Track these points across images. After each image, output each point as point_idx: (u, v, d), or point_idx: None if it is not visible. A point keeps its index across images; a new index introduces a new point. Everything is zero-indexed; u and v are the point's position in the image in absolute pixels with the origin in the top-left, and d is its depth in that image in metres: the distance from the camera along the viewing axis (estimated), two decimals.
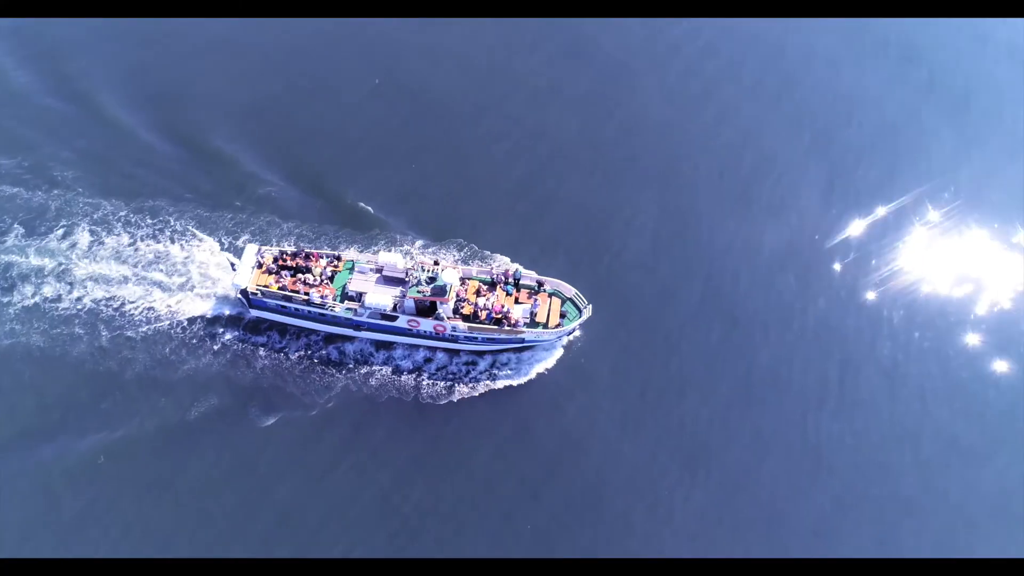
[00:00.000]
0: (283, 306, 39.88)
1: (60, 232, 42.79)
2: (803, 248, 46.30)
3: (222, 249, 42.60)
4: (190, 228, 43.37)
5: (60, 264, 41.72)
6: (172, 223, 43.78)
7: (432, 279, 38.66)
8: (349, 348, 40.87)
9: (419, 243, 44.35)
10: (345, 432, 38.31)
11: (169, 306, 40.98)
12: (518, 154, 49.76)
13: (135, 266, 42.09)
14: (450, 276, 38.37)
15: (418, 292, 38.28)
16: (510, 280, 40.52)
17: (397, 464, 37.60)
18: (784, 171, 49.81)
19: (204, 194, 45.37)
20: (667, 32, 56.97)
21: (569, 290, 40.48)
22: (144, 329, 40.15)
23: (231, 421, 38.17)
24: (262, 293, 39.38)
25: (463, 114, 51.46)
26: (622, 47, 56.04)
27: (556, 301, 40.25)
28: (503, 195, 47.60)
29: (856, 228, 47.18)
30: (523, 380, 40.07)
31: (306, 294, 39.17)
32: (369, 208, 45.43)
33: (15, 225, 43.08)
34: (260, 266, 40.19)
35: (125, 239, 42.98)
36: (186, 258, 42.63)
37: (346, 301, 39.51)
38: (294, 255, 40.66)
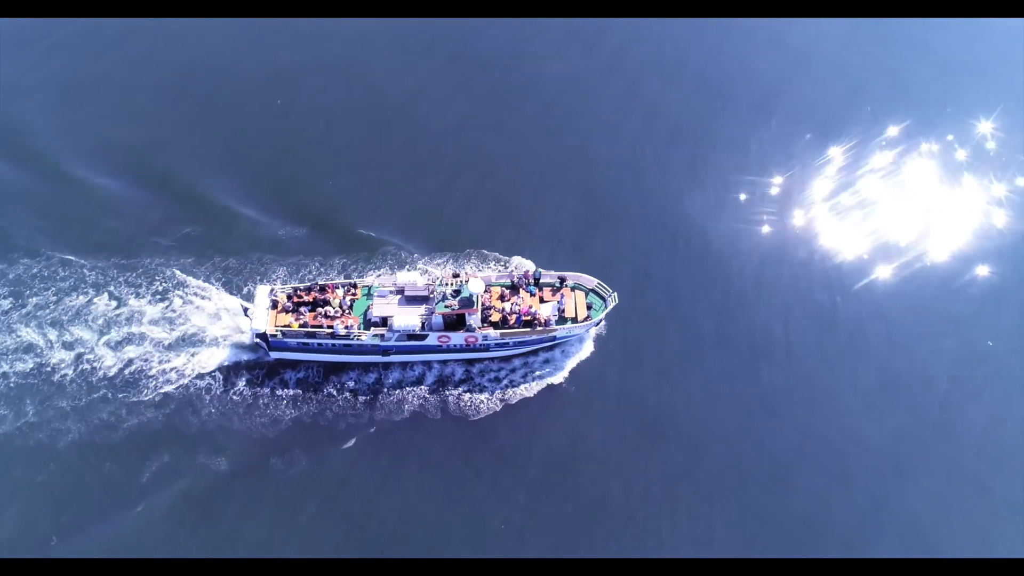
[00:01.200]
0: (305, 343, 38.65)
1: (49, 301, 40.18)
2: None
3: (230, 294, 41.01)
4: (186, 278, 41.53)
5: (59, 335, 39.20)
6: (166, 276, 41.75)
7: (457, 291, 38.25)
8: (376, 376, 39.94)
9: (429, 258, 43.71)
10: (393, 455, 37.44)
11: (183, 363, 38.96)
12: (501, 156, 50.21)
13: (136, 326, 39.89)
14: (475, 286, 38.04)
15: (445, 307, 37.82)
16: (530, 280, 40.49)
17: (474, 476, 37.08)
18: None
19: (192, 241, 43.56)
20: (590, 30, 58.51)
21: (591, 281, 40.75)
22: (163, 390, 38.00)
23: (264, 471, 36.52)
24: (283, 334, 38.07)
25: (424, 122, 51.65)
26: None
27: (579, 294, 40.44)
28: (493, 198, 47.81)
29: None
30: (562, 376, 40.11)
31: (329, 327, 38.12)
32: (370, 233, 44.61)
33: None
34: (275, 306, 38.88)
35: (121, 300, 40.68)
36: (188, 310, 40.69)
37: (371, 328, 38.67)
38: (308, 289, 39.52)
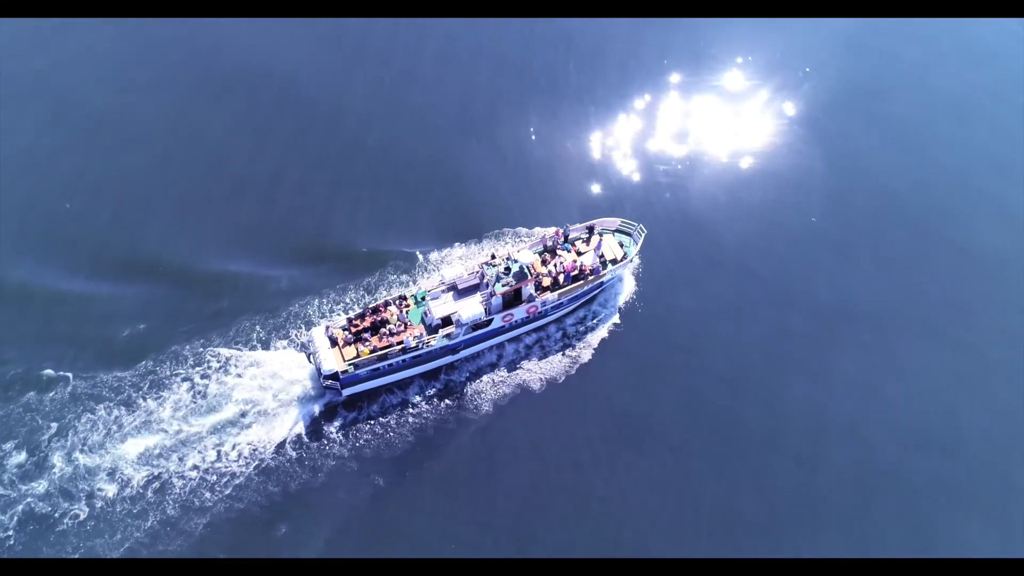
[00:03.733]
0: (376, 369, 37.97)
1: (89, 424, 36.41)
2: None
3: (275, 349, 39.21)
4: (228, 352, 39.09)
5: (107, 454, 35.81)
6: (205, 358, 38.83)
7: (508, 269, 39.01)
8: (445, 379, 39.91)
9: (445, 252, 43.97)
10: (515, 445, 38.00)
11: (263, 434, 36.80)
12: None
13: (191, 421, 37.17)
14: (525, 256, 39.04)
15: (503, 286, 38.52)
16: (562, 239, 41.93)
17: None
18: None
19: (211, 317, 40.66)
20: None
21: (614, 222, 42.87)
22: (246, 472, 35.79)
23: (401, 487, 36.16)
24: (355, 367, 37.17)
25: (368, 124, 51.35)
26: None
27: (609, 237, 42.46)
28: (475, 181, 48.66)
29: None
30: (617, 318, 42.23)
31: (399, 343, 37.69)
32: (376, 247, 43.87)
33: (37, 436, 36.05)
34: (335, 343, 37.78)
35: (165, 398, 37.65)
36: (243, 382, 38.26)
37: (436, 331, 38.61)
38: (361, 316, 38.66)
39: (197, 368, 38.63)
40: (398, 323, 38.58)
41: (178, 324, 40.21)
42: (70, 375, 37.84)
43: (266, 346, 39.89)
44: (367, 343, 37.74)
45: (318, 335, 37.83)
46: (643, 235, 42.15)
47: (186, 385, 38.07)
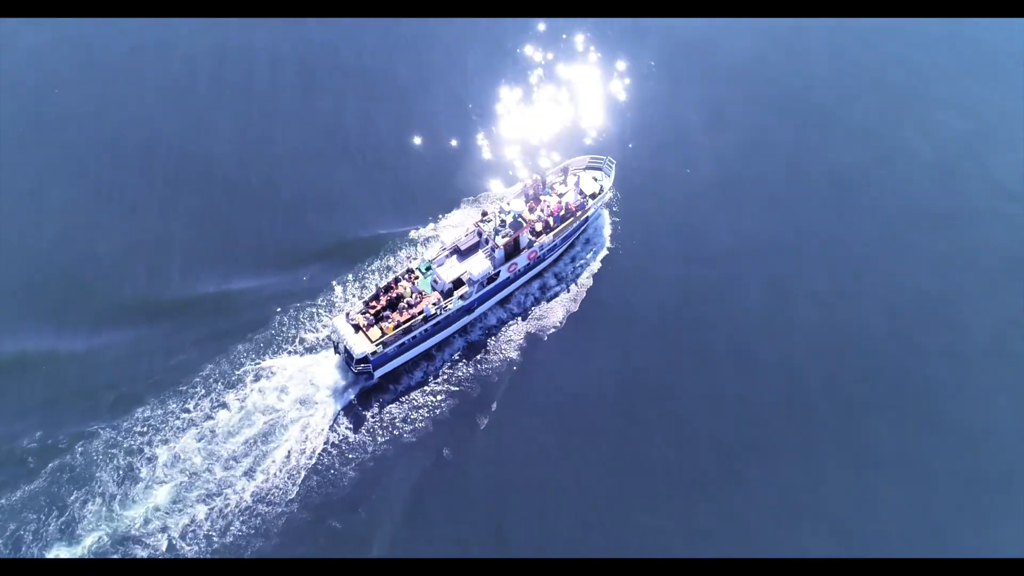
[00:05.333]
0: (402, 344, 38.75)
1: (125, 471, 35.50)
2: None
3: (299, 355, 39.28)
4: (256, 364, 38.81)
5: (152, 495, 35.06)
6: (223, 379, 38.47)
7: (503, 221, 40.58)
8: (463, 341, 41.18)
9: (439, 223, 45.18)
10: (541, 394, 39.73)
11: (296, 445, 36.83)
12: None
13: (229, 441, 36.75)
14: (517, 205, 40.79)
15: (503, 237, 40.06)
16: (543, 185, 43.81)
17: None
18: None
19: (220, 337, 40.08)
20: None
21: (584, 160, 45.13)
22: (297, 479, 35.77)
23: (446, 465, 37.12)
24: (384, 344, 37.81)
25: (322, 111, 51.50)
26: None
27: (583, 174, 44.72)
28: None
29: None
30: (605, 248, 44.70)
31: (420, 313, 38.58)
32: (370, 233, 44.40)
33: (76, 497, 34.66)
34: (358, 329, 38.24)
35: (195, 427, 37.03)
36: (267, 395, 38.21)
37: (449, 296, 39.74)
38: (375, 297, 39.31)
39: (221, 391, 38.13)
40: (414, 295, 39.46)
41: (189, 353, 39.39)
42: (97, 427, 36.64)
43: (285, 352, 39.81)
44: (389, 320, 38.47)
45: (341, 324, 38.20)
46: (613, 165, 44.66)
47: (216, 409, 37.57)
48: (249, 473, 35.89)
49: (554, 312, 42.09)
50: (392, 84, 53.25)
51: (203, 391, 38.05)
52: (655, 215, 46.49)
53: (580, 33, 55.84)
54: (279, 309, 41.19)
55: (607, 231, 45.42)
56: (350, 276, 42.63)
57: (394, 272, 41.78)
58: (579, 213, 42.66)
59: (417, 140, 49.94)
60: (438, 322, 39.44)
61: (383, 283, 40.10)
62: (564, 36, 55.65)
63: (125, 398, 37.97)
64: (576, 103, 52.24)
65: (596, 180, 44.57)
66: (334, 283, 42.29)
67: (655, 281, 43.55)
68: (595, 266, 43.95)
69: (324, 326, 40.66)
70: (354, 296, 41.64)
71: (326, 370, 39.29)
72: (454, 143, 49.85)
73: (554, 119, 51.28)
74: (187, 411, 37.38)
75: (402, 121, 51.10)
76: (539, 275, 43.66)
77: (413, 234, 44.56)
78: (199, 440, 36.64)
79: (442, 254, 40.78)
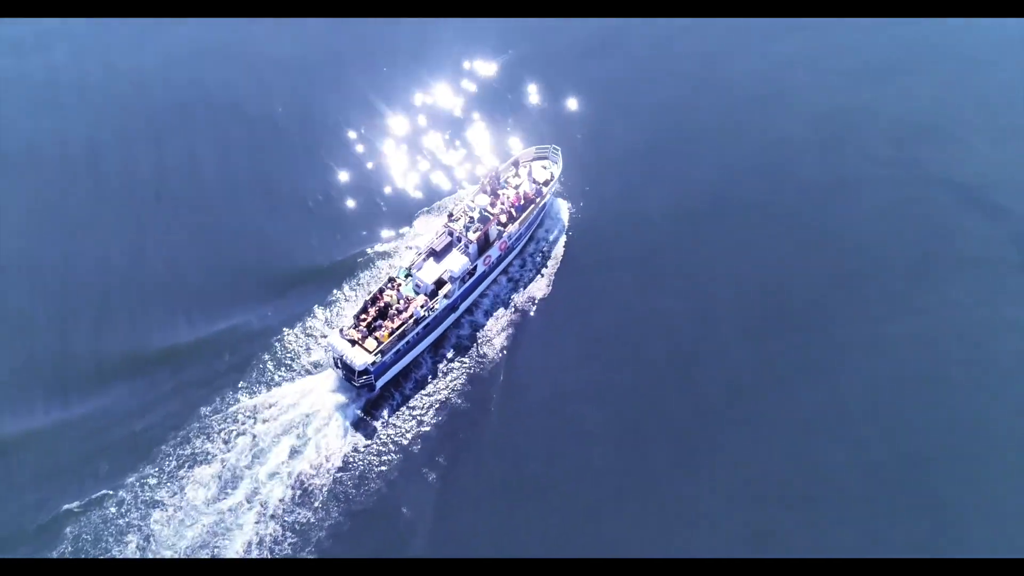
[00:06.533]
0: (398, 351, 39.69)
1: (155, 522, 34.68)
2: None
3: (295, 380, 39.43)
4: (250, 400, 38.67)
5: (183, 537, 34.47)
6: (226, 418, 38.22)
7: (472, 218, 42.36)
8: (452, 340, 42.62)
9: (405, 235, 46.45)
10: (538, 383, 41.27)
11: (308, 466, 37.23)
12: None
13: (244, 478, 36.58)
14: (481, 200, 42.71)
15: (475, 232, 41.82)
16: (498, 180, 45.89)
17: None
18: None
19: (213, 378, 39.77)
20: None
21: (530, 152, 47.61)
22: (316, 504, 36.04)
23: (455, 471, 37.81)
24: (382, 353, 38.64)
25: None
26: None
27: (533, 164, 47.18)
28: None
29: None
30: (565, 228, 47.30)
31: (411, 316, 39.67)
32: (339, 257, 45.21)
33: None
34: (353, 343, 38.89)
35: (208, 468, 36.63)
36: (271, 425, 38.30)
37: (433, 297, 41.05)
38: (364, 310, 40.10)
39: (226, 429, 37.99)
40: (401, 301, 40.52)
41: (186, 398, 38.98)
42: (108, 491, 35.67)
43: (283, 381, 39.99)
44: (382, 328, 39.36)
45: (336, 340, 38.77)
46: (559, 152, 47.38)
47: (224, 447, 37.40)
48: (267, 500, 35.86)
49: (533, 295, 44.13)
50: (314, 119, 54.26)
51: (205, 435, 37.72)
52: (602, 191, 49.69)
53: (499, 36, 59.00)
54: (265, 343, 41.31)
55: (564, 214, 48.09)
56: (328, 299, 43.22)
57: (376, 285, 42.71)
58: (538, 200, 45.06)
59: (348, 170, 50.82)
60: (428, 323, 40.64)
61: (368, 295, 40.95)
62: (483, 38, 58.58)
63: (124, 458, 37.07)
64: (509, 107, 55.06)
65: (545, 168, 47.17)
66: (316, 307, 42.80)
67: (615, 248, 46.68)
68: (559, 248, 46.43)
69: (314, 348, 41.09)
70: (339, 315, 42.31)
71: (326, 391, 39.70)
72: (391, 161, 51.41)
73: (490, 123, 53.78)
74: (196, 455, 37.04)
75: (328, 154, 51.99)
76: (511, 263, 45.68)
77: (380, 248, 45.65)
78: (218, 478, 36.37)
79: (419, 259, 42.10)
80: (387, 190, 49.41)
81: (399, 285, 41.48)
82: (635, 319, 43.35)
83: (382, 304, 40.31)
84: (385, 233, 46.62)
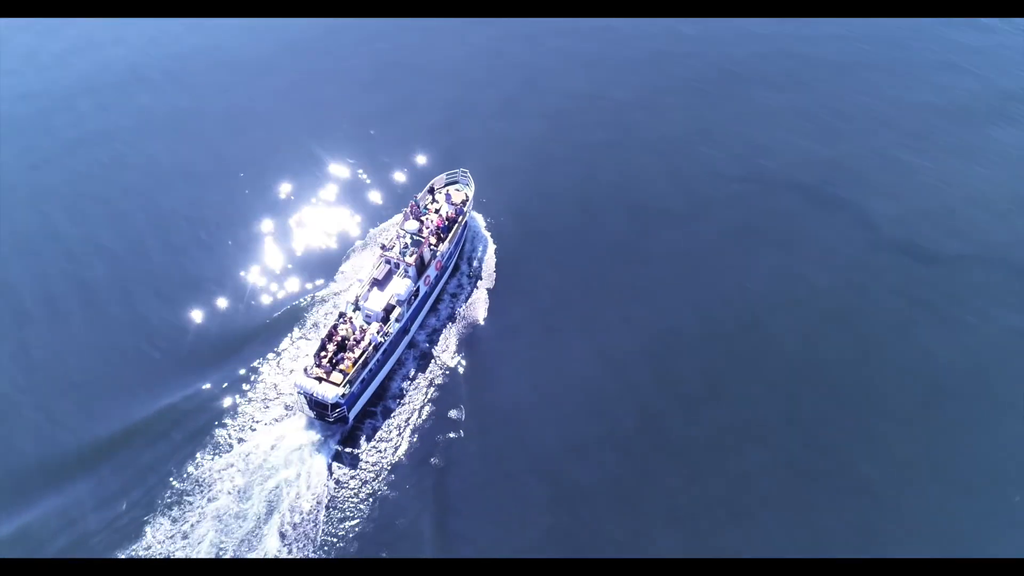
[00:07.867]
0: (363, 380, 40.95)
1: None
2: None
3: (269, 425, 39.51)
4: (211, 464, 38.33)
5: None
6: (200, 480, 37.75)
7: (406, 244, 44.75)
8: (411, 362, 44.31)
9: (348, 273, 47.96)
10: (506, 384, 43.76)
11: (296, 510, 37.44)
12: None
13: (233, 533, 36.38)
14: (411, 226, 45.15)
15: (411, 256, 44.19)
16: (419, 206, 48.61)
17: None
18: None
19: (170, 453, 39.11)
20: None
21: (441, 179, 50.84)
22: (320, 531, 36.73)
23: (446, 485, 39.11)
24: (350, 383, 39.78)
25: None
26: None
27: (448, 188, 50.41)
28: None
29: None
30: (492, 242, 50.67)
31: (370, 344, 41.14)
32: (281, 308, 46.01)
33: None
34: (320, 380, 39.75)
35: (196, 529, 35.94)
36: (250, 476, 38.32)
37: (385, 323, 42.81)
38: (322, 347, 41.10)
39: (206, 491, 37.56)
40: (356, 332, 41.94)
41: (158, 471, 38.18)
42: None
43: (253, 433, 40.01)
44: (344, 360, 40.56)
45: (302, 379, 39.51)
46: (468, 173, 51.00)
47: (207, 507, 36.93)
48: (267, 552, 35.74)
49: (476, 305, 46.88)
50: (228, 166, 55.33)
51: (196, 493, 37.32)
52: (513, 196, 53.94)
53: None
54: (226, 403, 41.25)
55: (483, 226, 51.61)
56: (279, 349, 43.80)
57: (326, 325, 43.84)
58: (459, 218, 48.24)
59: (270, 225, 52.43)
60: (385, 348, 42.29)
61: (325, 333, 42.06)
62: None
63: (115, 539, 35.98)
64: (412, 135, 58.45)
65: (459, 190, 50.60)
66: (270, 357, 43.30)
67: (539, 245, 50.80)
68: (490, 257, 49.75)
69: (274, 400, 41.38)
70: (295, 359, 42.96)
71: (296, 434, 40.10)
72: (307, 215, 53.25)
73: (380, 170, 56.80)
74: (187, 514, 36.41)
75: (245, 205, 53.54)
76: (447, 281, 48.30)
77: (319, 294, 46.93)
78: (214, 533, 35.86)
79: (364, 290, 43.82)
80: (309, 240, 50.98)
81: (350, 318, 42.93)
82: (568, 310, 47.23)
83: (339, 338, 41.58)
84: (318, 281, 47.97)
